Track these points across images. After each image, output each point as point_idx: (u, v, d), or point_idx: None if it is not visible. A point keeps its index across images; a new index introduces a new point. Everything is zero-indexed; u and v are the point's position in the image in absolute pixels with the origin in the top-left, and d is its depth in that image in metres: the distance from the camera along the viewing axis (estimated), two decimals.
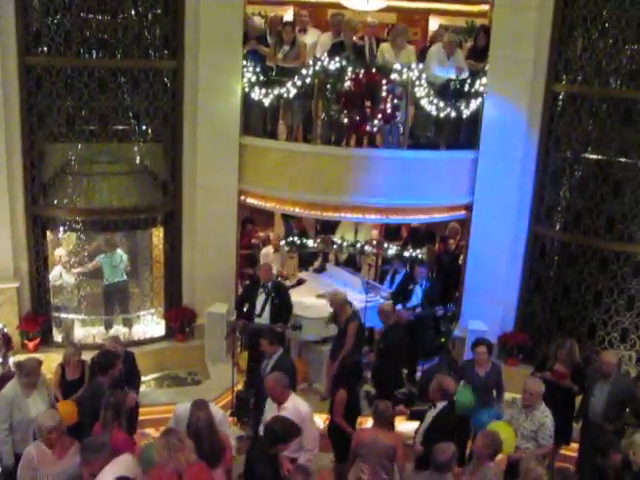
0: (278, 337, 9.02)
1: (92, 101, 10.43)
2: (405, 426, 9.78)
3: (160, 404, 9.95)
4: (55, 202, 10.90)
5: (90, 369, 8.52)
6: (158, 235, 11.64)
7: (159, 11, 10.60)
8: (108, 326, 11.65)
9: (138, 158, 11.08)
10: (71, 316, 11.54)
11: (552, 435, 7.92)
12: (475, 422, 8.49)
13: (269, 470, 6.53)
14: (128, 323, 11.75)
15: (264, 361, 8.77)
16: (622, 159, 10.33)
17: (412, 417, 8.57)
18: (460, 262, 12.17)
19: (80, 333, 11.54)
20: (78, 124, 10.57)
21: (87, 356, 8.99)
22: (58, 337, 11.36)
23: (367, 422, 9.03)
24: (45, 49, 10.27)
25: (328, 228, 13.93)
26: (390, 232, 14.35)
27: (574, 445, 9.27)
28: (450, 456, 6.41)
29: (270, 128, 11.41)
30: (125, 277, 11.65)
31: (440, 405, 7.86)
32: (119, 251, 11.57)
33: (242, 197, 11.38)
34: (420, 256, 12.36)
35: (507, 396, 9.50)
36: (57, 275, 11.37)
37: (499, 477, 6.84)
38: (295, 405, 7.49)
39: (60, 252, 11.47)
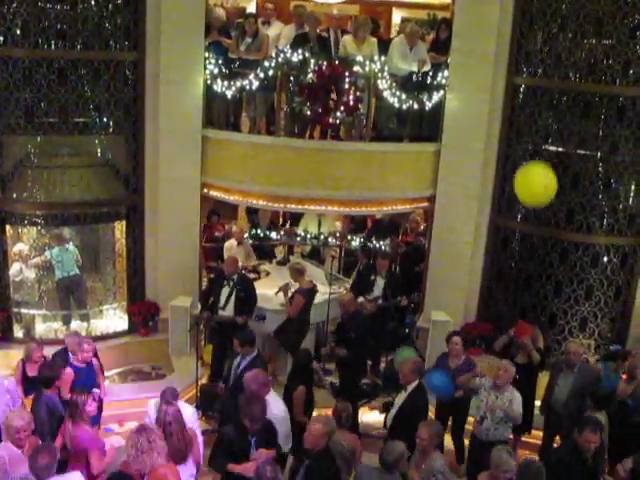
0: (251, 339, 8.69)
1: (51, 93, 10.24)
2: (372, 416, 9.91)
3: (124, 399, 9.89)
4: (14, 196, 10.71)
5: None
6: (120, 229, 11.52)
7: (119, 1, 10.45)
8: (66, 321, 11.49)
9: (99, 151, 10.95)
10: (32, 311, 11.34)
11: (521, 406, 8.14)
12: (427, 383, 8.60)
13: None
14: (86, 318, 11.59)
15: (237, 358, 8.70)
16: (581, 151, 10.48)
17: (385, 410, 8.59)
18: (423, 253, 12.23)
19: (41, 328, 11.37)
20: (37, 116, 10.37)
21: (49, 351, 8.93)
22: (19, 333, 11.19)
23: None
24: (1, 39, 10.03)
25: (292, 220, 13.96)
26: (357, 224, 14.40)
27: (535, 433, 9.46)
28: (396, 456, 6.38)
29: (233, 120, 11.38)
30: (77, 271, 11.39)
31: (410, 388, 7.97)
32: (69, 245, 11.35)
33: (205, 190, 11.30)
34: (383, 248, 12.46)
35: None
36: (17, 271, 11.16)
37: (447, 466, 6.88)
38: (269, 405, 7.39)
39: (20, 247, 11.27)
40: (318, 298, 11.32)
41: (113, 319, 11.71)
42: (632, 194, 10.54)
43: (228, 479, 6.92)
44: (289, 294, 10.54)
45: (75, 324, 11.47)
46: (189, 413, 7.60)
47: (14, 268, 11.13)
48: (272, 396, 7.64)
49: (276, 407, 7.56)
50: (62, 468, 6.36)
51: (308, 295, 10.50)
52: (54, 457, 6.13)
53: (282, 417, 7.57)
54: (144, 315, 11.42)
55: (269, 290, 11.10)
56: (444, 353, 9.37)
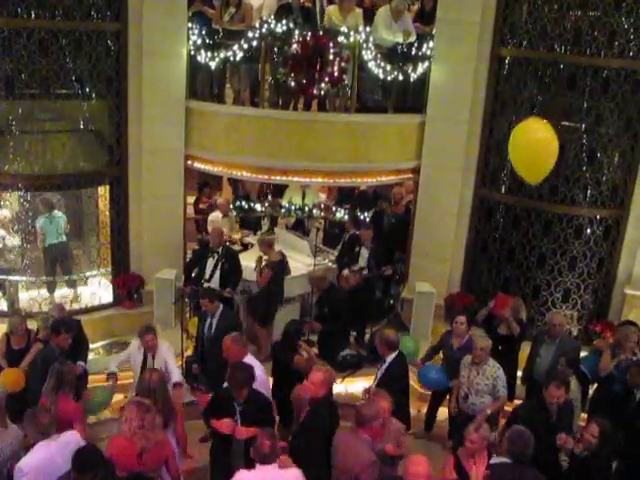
0: (218, 295, 9.12)
1: (32, 64, 10.04)
2: (356, 387, 9.99)
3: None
4: None
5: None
6: (104, 201, 11.45)
7: None
8: (51, 289, 11.46)
9: (82, 122, 10.79)
10: (15, 278, 11.24)
11: (506, 386, 8.31)
12: (421, 378, 8.71)
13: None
14: (72, 284, 11.58)
15: (207, 320, 8.90)
16: (566, 123, 10.46)
17: None
18: (407, 225, 12.26)
19: (24, 297, 11.28)
20: (18, 87, 10.19)
21: (33, 325, 8.94)
22: (2, 306, 11.14)
23: None
24: None
25: (276, 192, 13.93)
26: (343, 195, 14.39)
27: (517, 402, 9.56)
28: (372, 413, 6.46)
29: (217, 92, 11.28)
30: (65, 239, 11.41)
31: (389, 359, 8.05)
32: (57, 212, 11.31)
33: (189, 162, 11.24)
34: (367, 219, 12.48)
35: None
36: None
37: (401, 431, 7.03)
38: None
39: (3, 213, 11.18)
40: (302, 270, 11.38)
41: (98, 291, 11.68)
42: (616, 166, 10.56)
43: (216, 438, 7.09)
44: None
45: (60, 292, 11.44)
46: (164, 349, 8.26)
47: None
48: (250, 358, 7.70)
49: (258, 368, 7.58)
50: None
51: (277, 267, 10.52)
52: (52, 416, 6.32)
53: (263, 377, 7.66)
54: (129, 287, 11.39)
55: (253, 263, 11.09)
56: (448, 331, 9.43)
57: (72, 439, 6.32)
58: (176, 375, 8.21)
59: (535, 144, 8.58)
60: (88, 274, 11.72)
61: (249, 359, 7.65)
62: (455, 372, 8.75)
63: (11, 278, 11.22)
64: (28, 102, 10.40)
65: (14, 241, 11.31)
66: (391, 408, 6.92)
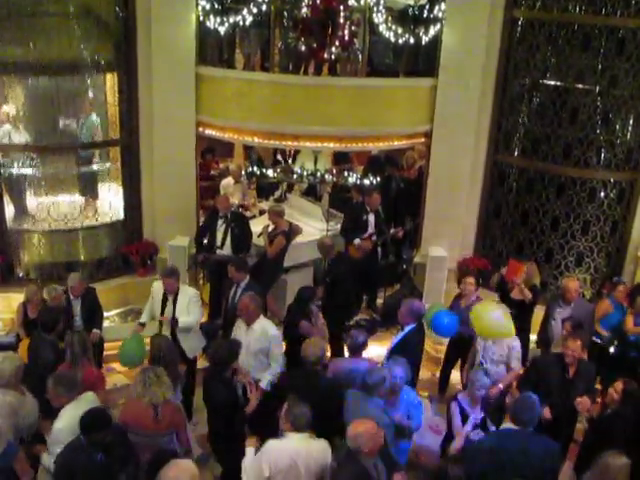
0: (245, 263, 9.14)
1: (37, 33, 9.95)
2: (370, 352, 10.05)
3: (125, 339, 10.00)
4: None
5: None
6: (116, 171, 11.44)
7: None
8: None
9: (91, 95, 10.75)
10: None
11: (520, 358, 8.27)
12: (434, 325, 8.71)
13: (223, 392, 6.83)
14: None
15: (232, 289, 8.92)
16: (580, 85, 10.33)
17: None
18: (418, 189, 12.20)
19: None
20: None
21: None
22: (19, 275, 11.17)
23: None
24: None
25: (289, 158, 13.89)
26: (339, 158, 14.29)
27: None
28: (377, 380, 6.55)
29: (227, 57, 11.20)
30: None
31: (407, 328, 8.04)
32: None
33: (200, 128, 11.19)
34: (379, 184, 12.42)
35: None
36: None
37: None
38: (263, 327, 7.81)
39: None
40: (315, 235, 11.38)
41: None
42: (630, 128, 10.43)
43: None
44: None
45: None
46: (191, 293, 8.61)
47: None
48: (264, 319, 7.93)
49: (274, 328, 7.92)
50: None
51: (287, 237, 10.55)
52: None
53: (280, 336, 7.95)
54: (142, 255, 11.45)
55: None
56: (459, 294, 9.42)
57: (93, 399, 6.48)
58: (193, 319, 8.51)
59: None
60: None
61: (264, 319, 7.89)
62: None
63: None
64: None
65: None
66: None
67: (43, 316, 7.95)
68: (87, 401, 6.34)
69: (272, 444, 5.87)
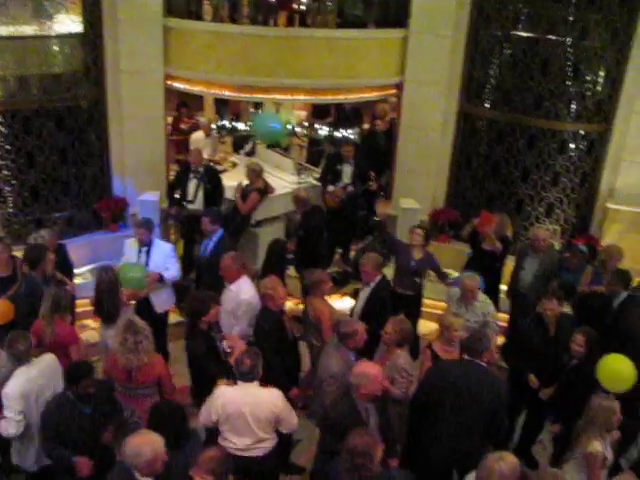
0: (220, 215, 9.14)
1: None
2: (343, 303, 10.14)
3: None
4: None
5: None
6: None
7: None
8: None
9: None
10: None
11: (496, 322, 8.29)
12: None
13: (202, 345, 6.89)
14: None
15: (202, 242, 8.90)
16: (551, 36, 10.28)
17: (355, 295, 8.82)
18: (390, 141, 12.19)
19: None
20: None
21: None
22: None
23: None
24: None
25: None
26: (319, 112, 14.20)
27: (501, 315, 9.72)
28: (349, 331, 6.61)
29: (195, 9, 10.97)
30: None
31: (373, 283, 8.12)
32: None
33: (169, 81, 11.03)
34: (350, 136, 12.38)
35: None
36: None
37: (410, 364, 6.97)
38: (239, 289, 7.72)
39: None
40: (287, 188, 11.36)
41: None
42: (601, 80, 10.45)
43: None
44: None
45: None
46: (167, 248, 8.71)
47: None
48: (244, 280, 7.81)
49: (247, 292, 7.74)
50: None
51: (262, 194, 10.52)
52: (30, 342, 6.43)
53: (250, 301, 7.71)
54: (113, 211, 11.33)
55: (236, 182, 11.05)
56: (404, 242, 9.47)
57: (50, 360, 6.54)
58: (173, 272, 8.59)
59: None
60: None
61: (244, 280, 7.79)
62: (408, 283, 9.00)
63: None
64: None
65: None
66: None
67: (28, 253, 8.07)
68: (45, 363, 6.44)
69: (222, 390, 6.11)
